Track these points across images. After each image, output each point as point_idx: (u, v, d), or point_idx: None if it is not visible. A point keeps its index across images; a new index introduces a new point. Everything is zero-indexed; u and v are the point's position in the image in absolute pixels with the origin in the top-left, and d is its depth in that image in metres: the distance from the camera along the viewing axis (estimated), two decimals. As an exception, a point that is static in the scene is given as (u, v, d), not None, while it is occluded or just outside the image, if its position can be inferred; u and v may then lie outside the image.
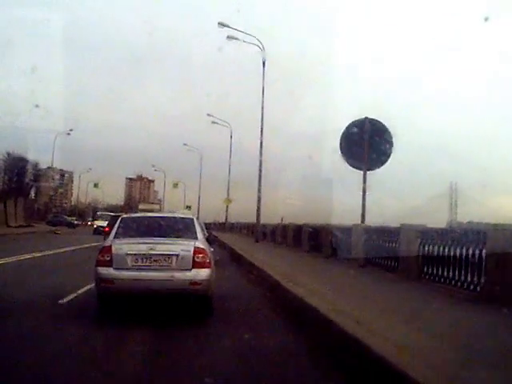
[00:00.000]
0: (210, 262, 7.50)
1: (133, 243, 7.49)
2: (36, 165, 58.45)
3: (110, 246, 7.40)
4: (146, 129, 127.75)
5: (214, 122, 43.34)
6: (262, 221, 35.00)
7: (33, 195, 62.28)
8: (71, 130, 54.97)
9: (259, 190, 28.20)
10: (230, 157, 44.02)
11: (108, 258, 7.25)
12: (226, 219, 48.39)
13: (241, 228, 47.39)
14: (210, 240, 9.14)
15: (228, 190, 44.48)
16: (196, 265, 7.32)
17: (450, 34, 62.29)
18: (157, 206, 47.73)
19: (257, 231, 29.53)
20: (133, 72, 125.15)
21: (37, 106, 55.12)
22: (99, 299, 7.53)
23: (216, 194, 58.77)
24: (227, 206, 45.38)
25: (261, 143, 28.04)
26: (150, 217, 9.40)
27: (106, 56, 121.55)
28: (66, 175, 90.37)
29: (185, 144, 57.51)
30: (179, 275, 7.23)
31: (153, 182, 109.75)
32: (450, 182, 53.09)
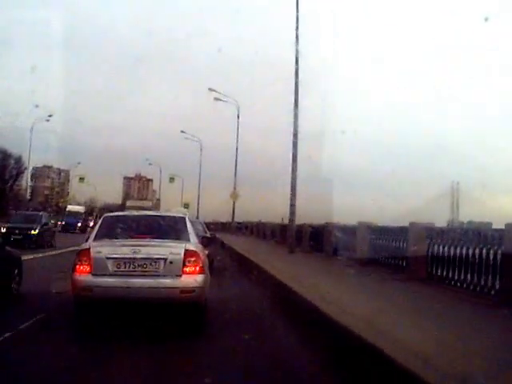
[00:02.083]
0: (203, 267, 6.69)
1: (115, 245, 6.70)
2: (19, 159, 56.18)
3: (89, 249, 6.59)
4: (146, 127, 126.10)
5: (217, 99, 36.42)
6: (263, 220, 32.45)
7: (28, 195, 61.14)
8: (50, 116, 48.14)
9: (293, 179, 19.00)
10: (237, 141, 37.05)
11: (86, 263, 6.46)
12: (233, 218, 41.20)
13: (251, 229, 38.50)
14: (211, 239, 8.31)
15: (235, 183, 37.53)
16: (187, 270, 6.53)
17: (450, 33, 61.51)
18: (148, 203, 40.83)
19: (291, 237, 19.16)
20: (132, 71, 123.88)
21: (37, 106, 53.69)
22: (76, 309, 6.70)
23: (218, 191, 56.43)
24: (234, 203, 38.34)
25: (296, 103, 18.67)
26: (135, 215, 8.60)
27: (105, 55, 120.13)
28: (63, 174, 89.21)
29: (182, 131, 48.12)
30: (168, 282, 6.42)
31: (151, 180, 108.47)
32: (451, 181, 52.15)
